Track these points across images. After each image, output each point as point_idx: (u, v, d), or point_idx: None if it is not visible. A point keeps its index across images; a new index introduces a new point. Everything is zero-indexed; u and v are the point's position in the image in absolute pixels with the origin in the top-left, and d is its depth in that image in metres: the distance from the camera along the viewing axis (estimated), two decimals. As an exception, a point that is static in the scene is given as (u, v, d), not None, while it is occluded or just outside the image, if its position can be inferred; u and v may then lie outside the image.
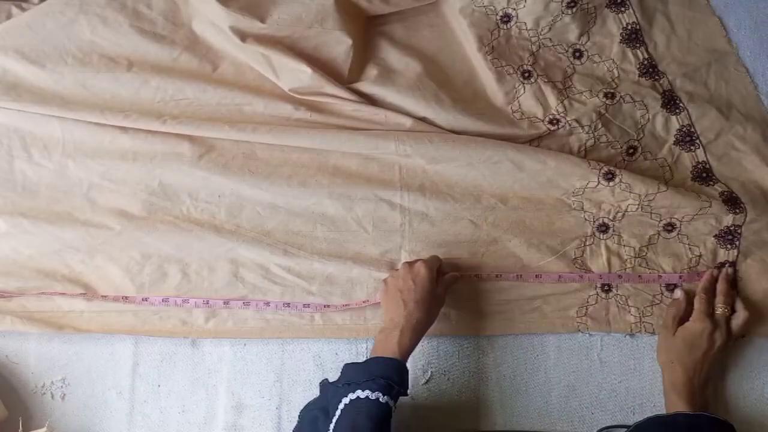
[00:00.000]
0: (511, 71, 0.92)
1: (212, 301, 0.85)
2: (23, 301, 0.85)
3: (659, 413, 0.76)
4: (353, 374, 0.72)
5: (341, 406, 0.68)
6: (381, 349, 0.75)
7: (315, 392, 0.86)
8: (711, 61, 0.93)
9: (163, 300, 0.85)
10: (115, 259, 0.86)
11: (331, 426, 0.68)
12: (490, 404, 0.85)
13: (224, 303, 0.86)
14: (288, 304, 0.85)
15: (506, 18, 0.93)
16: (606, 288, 0.86)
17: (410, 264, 0.80)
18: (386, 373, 0.70)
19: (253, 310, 0.86)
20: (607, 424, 0.84)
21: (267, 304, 0.85)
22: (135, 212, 0.87)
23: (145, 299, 0.85)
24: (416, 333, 0.76)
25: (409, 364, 0.85)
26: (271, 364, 0.86)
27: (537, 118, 0.90)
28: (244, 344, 0.87)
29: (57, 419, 0.87)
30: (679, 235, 0.86)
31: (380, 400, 0.68)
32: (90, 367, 0.88)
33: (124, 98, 0.90)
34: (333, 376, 0.83)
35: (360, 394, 0.68)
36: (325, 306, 0.85)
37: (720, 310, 0.79)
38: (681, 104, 0.91)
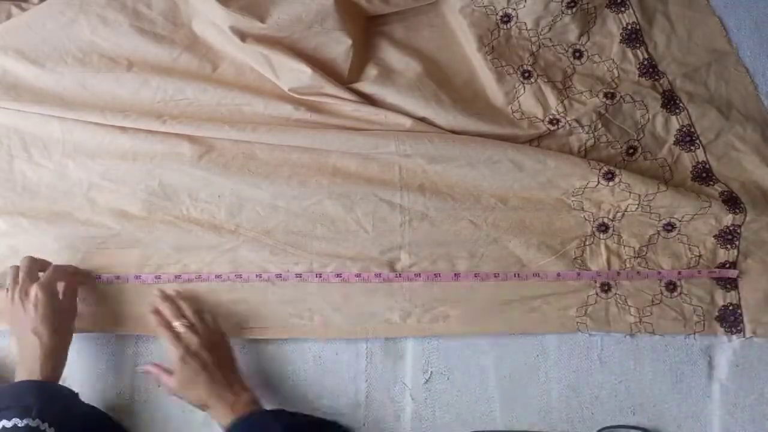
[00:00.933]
0: (511, 71, 0.92)
1: None
2: None
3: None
4: None
5: None
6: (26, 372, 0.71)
7: (314, 392, 0.86)
8: (711, 61, 0.93)
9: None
10: (115, 259, 0.86)
11: None
12: (490, 404, 0.85)
13: None
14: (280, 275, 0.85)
15: (506, 18, 0.93)
16: (605, 288, 0.86)
17: (25, 293, 0.75)
18: (24, 398, 0.66)
19: None
20: (607, 424, 0.84)
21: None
22: (135, 212, 0.87)
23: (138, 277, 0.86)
24: (57, 358, 0.74)
25: (409, 364, 0.86)
26: (271, 364, 0.86)
27: (537, 118, 0.90)
28: (244, 344, 0.87)
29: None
30: (679, 235, 0.86)
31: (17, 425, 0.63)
32: (90, 367, 0.87)
33: (124, 98, 0.90)
34: (332, 376, 0.83)
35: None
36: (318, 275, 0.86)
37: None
38: (681, 104, 0.91)
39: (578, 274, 0.86)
